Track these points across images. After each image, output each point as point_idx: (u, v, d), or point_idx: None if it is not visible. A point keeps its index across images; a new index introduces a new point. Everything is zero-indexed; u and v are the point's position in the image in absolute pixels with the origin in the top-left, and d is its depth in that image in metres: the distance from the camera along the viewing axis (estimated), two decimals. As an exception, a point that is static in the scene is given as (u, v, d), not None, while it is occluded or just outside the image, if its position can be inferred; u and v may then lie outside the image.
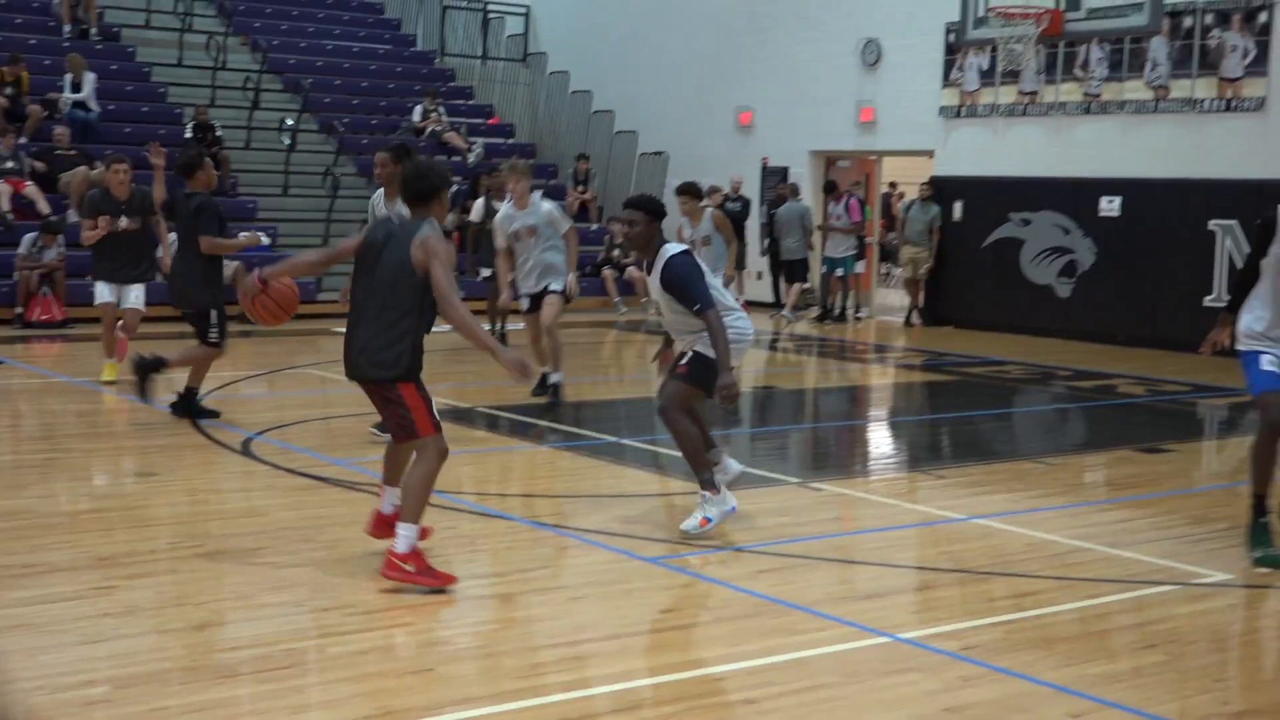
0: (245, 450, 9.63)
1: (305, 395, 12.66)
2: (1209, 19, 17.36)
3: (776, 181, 22.14)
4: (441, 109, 23.93)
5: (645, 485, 9.17)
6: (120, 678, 5.19)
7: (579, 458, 9.86)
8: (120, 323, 12.40)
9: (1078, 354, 17.01)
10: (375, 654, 5.61)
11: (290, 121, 21.90)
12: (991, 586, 6.79)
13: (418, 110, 23.70)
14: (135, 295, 12.32)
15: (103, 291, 12.32)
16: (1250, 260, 7.36)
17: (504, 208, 11.75)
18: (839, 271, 20.80)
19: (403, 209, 7.33)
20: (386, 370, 6.35)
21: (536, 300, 11.72)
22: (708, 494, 7.58)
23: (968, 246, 19.86)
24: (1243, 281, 7.39)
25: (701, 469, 7.61)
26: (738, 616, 6.22)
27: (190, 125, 20.61)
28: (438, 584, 6.32)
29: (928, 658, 5.64)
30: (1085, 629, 6.15)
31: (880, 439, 11.93)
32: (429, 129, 23.41)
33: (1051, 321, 18.83)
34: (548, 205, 11.75)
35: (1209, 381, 14.15)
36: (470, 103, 26.03)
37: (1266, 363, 7.13)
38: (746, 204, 21.57)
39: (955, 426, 12.24)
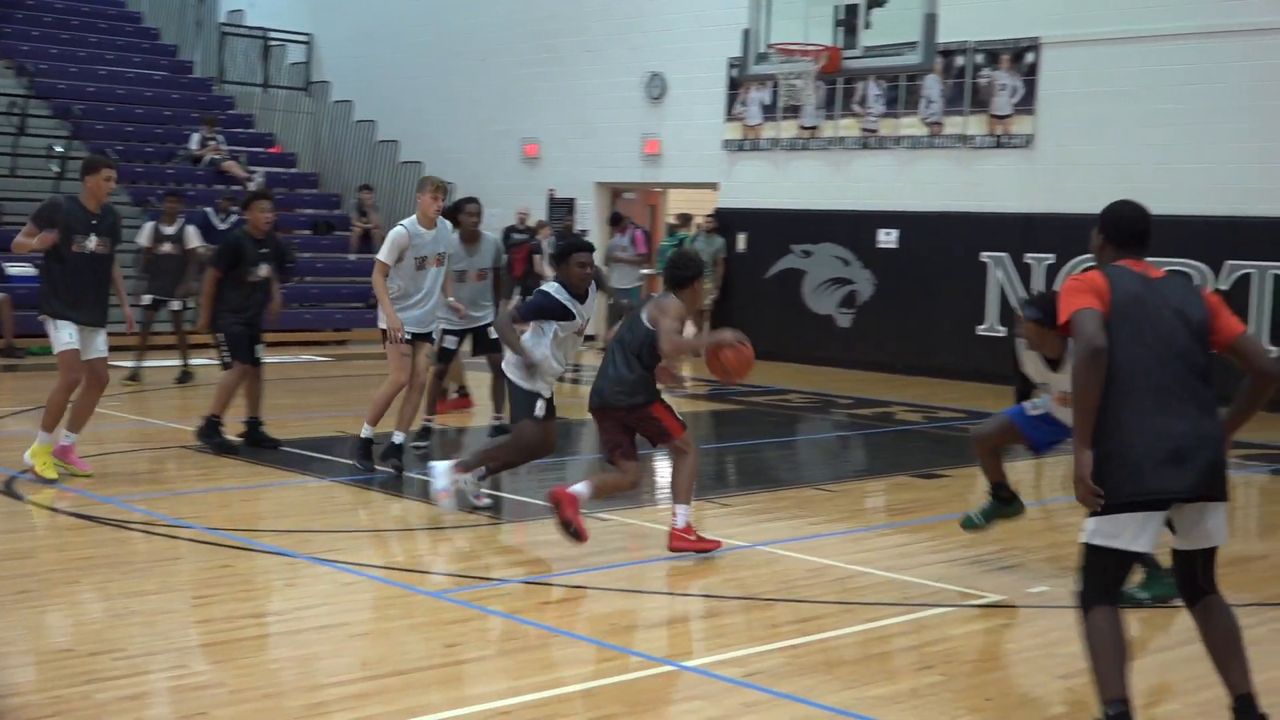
0: (8, 489, 9.21)
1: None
2: (980, 59, 18.00)
3: (564, 213, 22.18)
4: (220, 137, 23.39)
5: (429, 519, 9.04)
6: None
7: (361, 491, 9.67)
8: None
9: (858, 382, 17.39)
10: (147, 699, 5.39)
11: (60, 149, 21.13)
12: (775, 612, 6.85)
13: (195, 138, 23.11)
14: (103, 340, 9.69)
15: (69, 334, 9.43)
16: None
17: (410, 225, 9.86)
18: (625, 302, 20.90)
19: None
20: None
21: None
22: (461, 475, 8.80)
23: (751, 277, 20.18)
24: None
25: (485, 463, 8.90)
26: (523, 649, 6.15)
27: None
28: (710, 548, 7.90)
29: (711, 685, 5.66)
30: (866, 652, 6.24)
31: (666, 467, 11.96)
32: (207, 157, 22.86)
33: (832, 350, 19.23)
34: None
35: (983, 408, 14.56)
36: (250, 131, 25.51)
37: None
38: (533, 234, 21.52)
39: (740, 454, 12.37)
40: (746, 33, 15.39)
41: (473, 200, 11.56)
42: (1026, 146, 17.58)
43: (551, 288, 8.52)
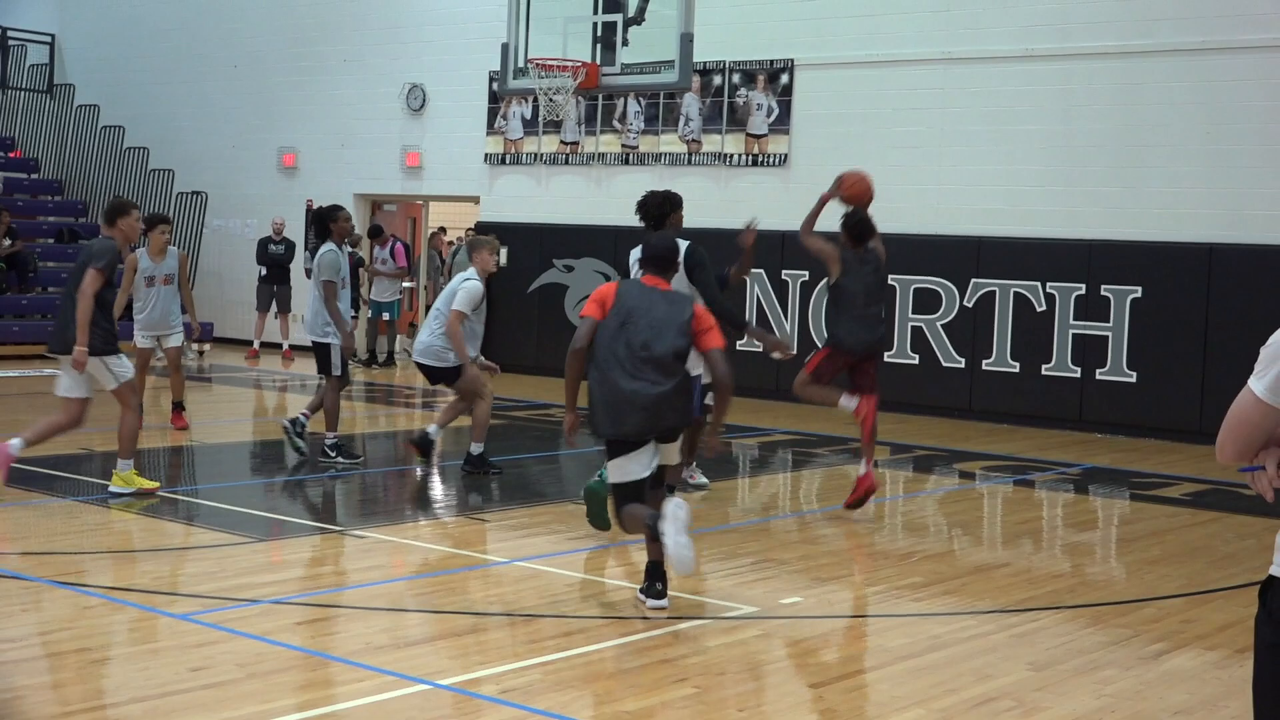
0: None
1: None
2: (736, 78, 18.34)
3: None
4: (-44, 140, 22.34)
5: (174, 538, 8.76)
6: None
7: (107, 511, 9.31)
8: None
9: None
10: None
11: None
12: (535, 628, 6.83)
13: (-71, 141, 22.03)
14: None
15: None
16: None
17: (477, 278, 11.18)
18: (385, 316, 20.65)
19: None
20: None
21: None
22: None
23: (514, 291, 20.14)
24: None
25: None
26: (272, 671, 5.99)
27: None
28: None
29: (466, 703, 5.60)
30: (622, 666, 6.26)
31: (427, 484, 11.85)
32: (-58, 161, 21.80)
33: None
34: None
35: (740, 422, 14.81)
36: (-12, 135, 24.43)
37: None
38: (291, 246, 21.09)
39: (502, 469, 12.30)
40: (505, 47, 15.36)
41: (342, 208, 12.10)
42: (782, 165, 17.97)
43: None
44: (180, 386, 13.20)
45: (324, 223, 11.81)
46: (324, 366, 11.57)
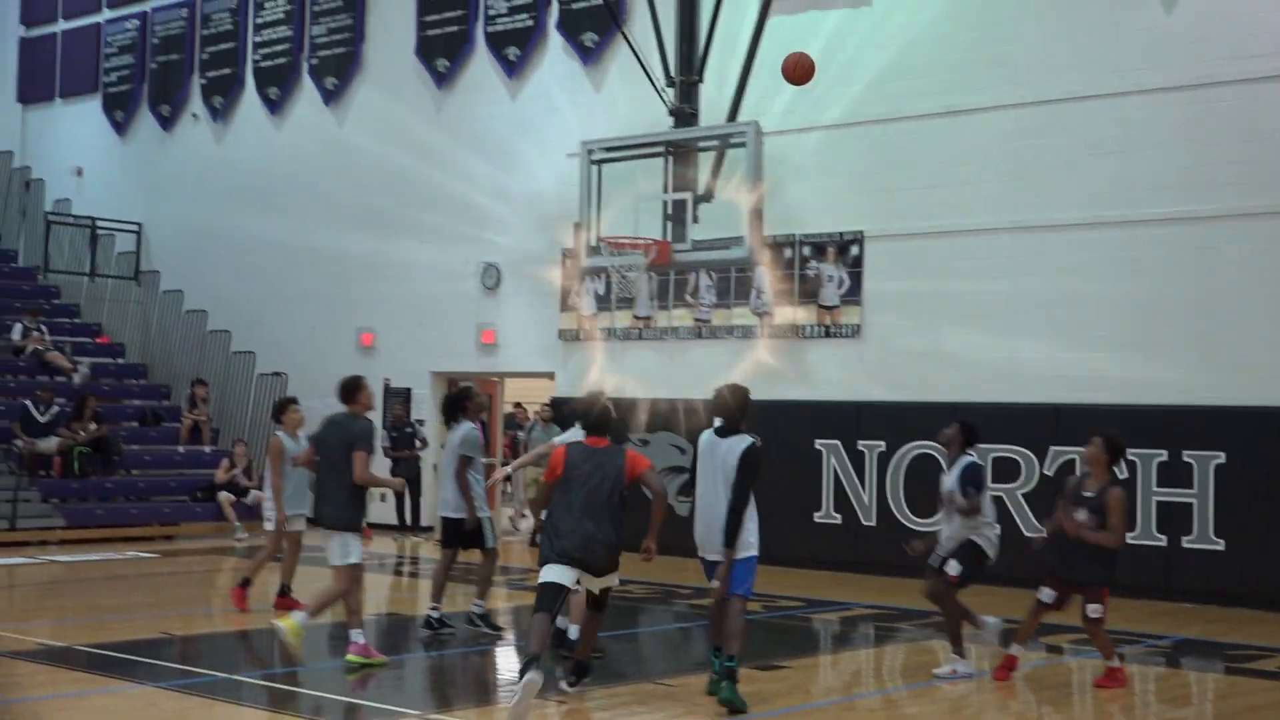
0: None
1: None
2: (807, 251, 18.50)
3: (396, 402, 22.03)
4: (44, 327, 22.92)
5: (258, 725, 8.72)
6: None
7: (186, 697, 9.30)
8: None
9: (698, 571, 17.29)
10: None
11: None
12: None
13: (17, 329, 22.63)
14: None
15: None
16: None
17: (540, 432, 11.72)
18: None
19: None
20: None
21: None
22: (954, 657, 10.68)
23: (588, 466, 20.12)
24: None
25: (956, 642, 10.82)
26: None
27: None
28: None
29: None
30: None
31: (504, 664, 11.75)
32: (30, 348, 22.34)
33: (671, 539, 19.12)
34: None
35: (823, 596, 14.62)
36: (76, 321, 25.07)
37: None
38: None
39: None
40: (578, 226, 15.65)
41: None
42: (854, 337, 18.01)
43: None
44: (293, 569, 13.41)
45: (457, 404, 12.24)
46: (475, 541, 12.01)
